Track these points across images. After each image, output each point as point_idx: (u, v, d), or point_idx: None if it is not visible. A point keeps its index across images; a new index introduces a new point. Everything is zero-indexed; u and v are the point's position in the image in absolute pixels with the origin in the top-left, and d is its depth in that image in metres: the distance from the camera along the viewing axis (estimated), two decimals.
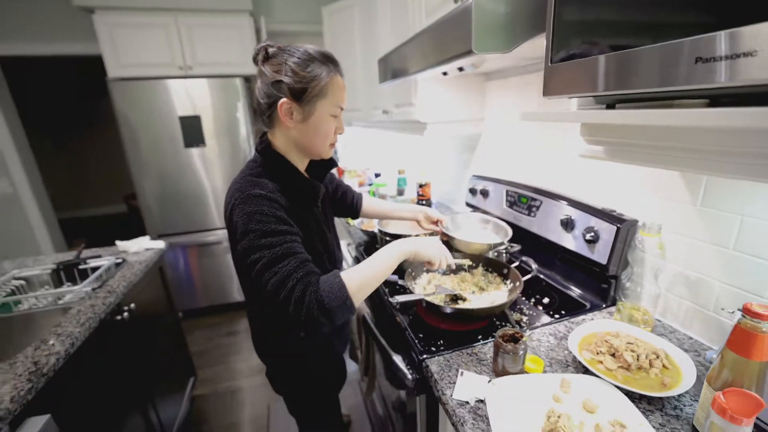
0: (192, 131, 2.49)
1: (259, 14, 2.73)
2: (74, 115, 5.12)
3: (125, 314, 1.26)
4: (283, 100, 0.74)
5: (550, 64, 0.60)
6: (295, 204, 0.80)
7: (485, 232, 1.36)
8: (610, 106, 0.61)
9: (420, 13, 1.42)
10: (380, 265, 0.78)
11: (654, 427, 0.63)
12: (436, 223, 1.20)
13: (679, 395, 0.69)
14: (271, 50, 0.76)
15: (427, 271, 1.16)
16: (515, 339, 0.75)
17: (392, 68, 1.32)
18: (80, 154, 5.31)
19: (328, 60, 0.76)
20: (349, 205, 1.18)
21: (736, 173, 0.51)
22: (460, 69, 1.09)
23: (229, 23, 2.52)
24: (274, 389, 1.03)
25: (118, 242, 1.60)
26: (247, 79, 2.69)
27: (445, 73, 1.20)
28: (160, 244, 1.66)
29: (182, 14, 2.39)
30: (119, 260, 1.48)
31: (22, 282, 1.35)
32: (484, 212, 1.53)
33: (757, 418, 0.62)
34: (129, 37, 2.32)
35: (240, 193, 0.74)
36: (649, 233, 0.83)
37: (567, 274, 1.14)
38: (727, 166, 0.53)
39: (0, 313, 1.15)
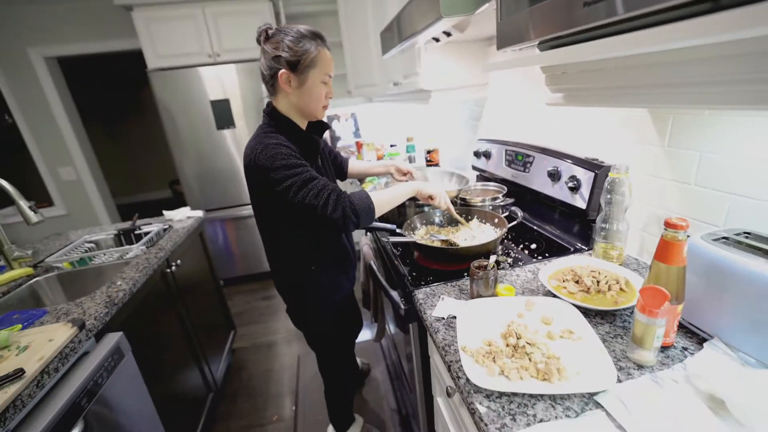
0: (222, 114, 2.71)
1: None
2: (120, 107, 5.59)
3: (173, 267, 1.50)
4: (282, 71, 0.91)
5: (500, 20, 0.69)
6: (301, 155, 0.96)
7: (450, 184, 1.63)
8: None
9: None
10: (395, 193, 1.02)
11: (600, 335, 0.74)
12: (406, 174, 1.38)
13: (630, 312, 0.78)
14: (270, 31, 0.93)
15: (426, 223, 1.28)
16: (487, 267, 0.87)
17: (388, 39, 1.41)
18: (128, 144, 5.82)
19: (316, 36, 0.93)
20: (339, 165, 1.37)
21: (673, 103, 0.59)
22: (448, 34, 1.16)
23: (251, 9, 2.67)
24: (294, 324, 1.22)
25: (165, 212, 1.86)
26: None
27: (437, 40, 1.28)
28: (198, 213, 1.90)
29: (208, 4, 2.57)
30: (166, 226, 1.73)
31: (92, 245, 1.64)
32: (487, 173, 1.61)
33: (688, 321, 0.70)
34: (163, 30, 2.55)
35: (259, 145, 0.91)
36: (618, 173, 0.89)
37: (554, 222, 1.22)
38: (664, 97, 0.60)
39: (79, 266, 1.43)
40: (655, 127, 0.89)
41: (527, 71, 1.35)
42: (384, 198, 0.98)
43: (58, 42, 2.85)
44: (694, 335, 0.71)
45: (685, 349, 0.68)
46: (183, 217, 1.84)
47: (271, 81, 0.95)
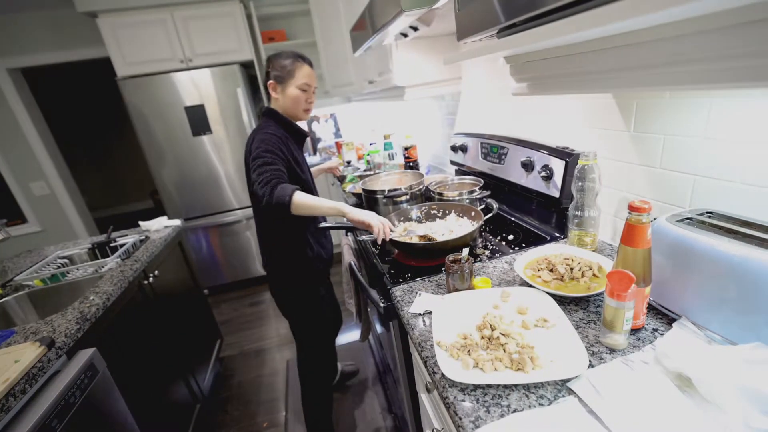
0: (198, 120, 2.65)
1: (248, 0, 2.81)
2: (94, 117, 5.44)
3: (150, 279, 1.46)
4: (270, 81, 1.24)
5: (458, 11, 0.69)
6: (292, 142, 1.26)
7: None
8: None
9: None
10: (322, 203, 1.11)
11: (574, 321, 0.74)
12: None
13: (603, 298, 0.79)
14: (271, 58, 1.24)
15: (404, 220, 1.27)
16: (461, 260, 0.87)
17: (357, 37, 1.40)
18: (106, 156, 5.67)
19: (297, 56, 1.23)
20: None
21: (635, 85, 0.59)
22: (415, 29, 1.16)
23: (221, 12, 2.62)
24: (282, 312, 1.42)
25: (141, 222, 1.81)
26: (245, 65, 2.81)
27: (405, 35, 1.27)
28: (176, 221, 1.86)
29: (177, 8, 2.52)
30: (142, 237, 1.68)
31: (66, 260, 1.59)
32: (465, 167, 1.62)
33: (657, 302, 0.72)
34: (132, 37, 2.48)
35: (257, 134, 1.19)
36: (587, 160, 0.90)
37: (530, 212, 1.23)
38: (626, 80, 0.61)
39: (51, 282, 1.38)
40: (621, 113, 0.90)
41: (497, 64, 1.35)
42: (308, 201, 1.09)
43: (22, 53, 2.75)
44: (663, 316, 0.72)
45: (656, 330, 0.69)
46: (160, 227, 1.79)
47: (266, 90, 1.28)
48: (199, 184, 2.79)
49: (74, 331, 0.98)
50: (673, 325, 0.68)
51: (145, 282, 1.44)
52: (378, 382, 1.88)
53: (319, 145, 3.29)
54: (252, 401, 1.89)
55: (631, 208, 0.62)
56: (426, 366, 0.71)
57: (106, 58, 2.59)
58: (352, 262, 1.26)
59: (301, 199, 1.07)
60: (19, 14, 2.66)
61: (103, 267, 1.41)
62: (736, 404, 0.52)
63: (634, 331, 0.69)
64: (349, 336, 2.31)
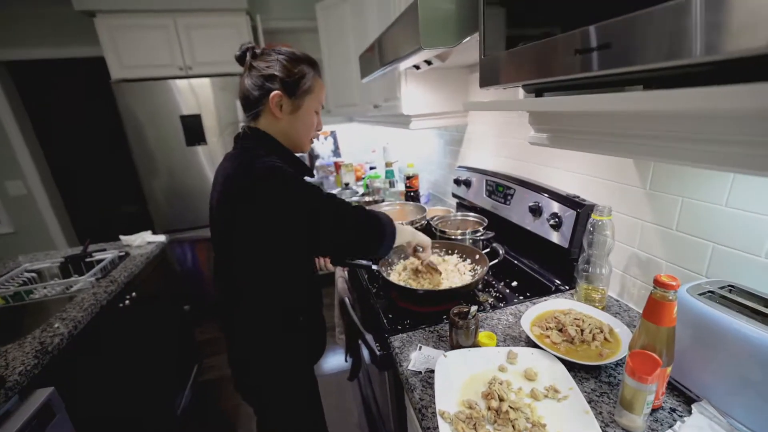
0: (194, 130, 2.58)
1: (255, 12, 2.80)
2: (84, 119, 5.29)
3: (127, 301, 1.36)
4: (276, 92, 0.80)
5: (483, 57, 0.65)
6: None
7: None
8: (539, 94, 0.66)
9: (400, 7, 1.46)
10: (402, 230, 0.94)
11: (586, 392, 0.69)
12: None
13: (615, 365, 0.75)
14: (257, 50, 0.84)
15: (404, 258, 1.22)
16: (468, 316, 0.81)
17: (368, 63, 1.37)
18: (94, 154, 5.49)
19: (311, 62, 0.87)
20: None
21: (660, 156, 0.56)
22: (429, 63, 1.13)
23: (226, 22, 2.59)
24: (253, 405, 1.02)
25: (122, 237, 1.71)
26: None
27: (417, 67, 1.25)
28: (161, 237, 1.76)
29: (180, 15, 2.47)
30: (122, 253, 1.58)
31: (34, 274, 1.47)
32: (467, 202, 1.58)
33: (675, 380, 0.67)
34: (130, 40, 2.42)
35: (265, 170, 0.75)
36: (601, 216, 0.87)
37: (535, 257, 1.19)
38: (651, 150, 0.57)
39: (14, 301, 1.27)
40: (637, 168, 0.88)
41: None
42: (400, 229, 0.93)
43: (10, 45, 2.65)
44: (681, 394, 0.67)
45: (674, 410, 0.65)
46: (143, 242, 1.70)
47: (257, 102, 0.82)
48: (190, 196, 2.69)
49: (31, 367, 0.88)
50: (693, 407, 0.63)
51: (120, 305, 1.34)
52: (365, 417, 1.78)
53: (317, 163, 3.24)
54: None
55: (657, 284, 0.58)
56: None
57: (100, 58, 2.52)
58: (347, 299, 1.19)
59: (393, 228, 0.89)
60: (11, 7, 2.58)
61: (73, 286, 1.30)
62: None
63: (652, 411, 0.64)
64: (332, 363, 2.21)
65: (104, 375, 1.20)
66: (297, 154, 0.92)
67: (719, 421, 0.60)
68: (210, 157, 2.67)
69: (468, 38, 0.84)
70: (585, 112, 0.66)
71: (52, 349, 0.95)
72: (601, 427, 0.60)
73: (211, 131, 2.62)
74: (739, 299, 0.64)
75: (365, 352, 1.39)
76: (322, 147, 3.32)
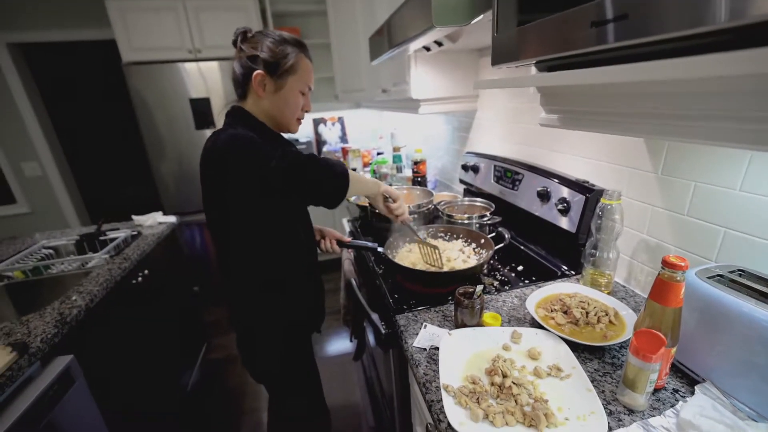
0: (202, 113, 2.60)
1: None
2: (98, 101, 5.33)
3: (140, 278, 1.40)
4: (258, 71, 0.84)
5: (496, 34, 0.64)
6: None
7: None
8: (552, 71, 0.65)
9: None
10: (362, 178, 0.93)
11: (589, 371, 0.70)
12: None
13: (620, 347, 0.75)
14: (249, 34, 0.87)
15: (409, 242, 1.23)
16: (473, 295, 0.82)
17: (377, 45, 1.35)
18: (106, 137, 5.55)
19: (298, 43, 0.88)
20: None
21: (674, 135, 0.55)
22: (439, 44, 1.12)
23: (235, 5, 2.57)
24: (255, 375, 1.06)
25: (134, 216, 1.74)
26: None
27: (428, 49, 1.23)
28: (171, 218, 1.79)
29: None
30: (135, 233, 1.62)
31: (51, 251, 1.52)
32: (474, 188, 1.58)
33: (679, 362, 0.67)
34: (140, 22, 2.42)
35: (231, 139, 0.78)
36: (610, 200, 0.86)
37: (542, 243, 1.19)
38: (665, 128, 0.56)
39: (33, 275, 1.31)
40: (649, 153, 0.87)
41: (520, 88, 1.32)
42: (359, 177, 0.90)
43: (24, 28, 2.67)
44: (685, 376, 0.68)
45: (676, 391, 0.65)
46: (154, 222, 1.73)
47: (243, 81, 0.87)
48: (198, 179, 2.71)
49: (52, 335, 0.91)
50: (696, 388, 0.63)
51: (134, 282, 1.37)
52: (368, 397, 1.82)
53: (325, 149, 3.24)
54: (235, 412, 1.82)
55: (666, 264, 0.58)
56: (431, 411, 0.66)
57: (111, 42, 2.53)
58: (353, 281, 1.20)
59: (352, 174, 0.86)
60: None
61: (89, 262, 1.34)
62: None
63: (654, 390, 0.65)
64: (337, 346, 2.25)
65: (119, 347, 1.25)
66: (286, 135, 0.96)
67: (722, 402, 0.60)
68: None
69: (481, 16, 0.82)
70: (597, 91, 0.65)
71: (70, 320, 0.98)
72: (602, 404, 0.60)
73: (219, 115, 2.62)
74: (749, 283, 0.63)
75: (370, 336, 1.41)
76: (329, 133, 3.31)
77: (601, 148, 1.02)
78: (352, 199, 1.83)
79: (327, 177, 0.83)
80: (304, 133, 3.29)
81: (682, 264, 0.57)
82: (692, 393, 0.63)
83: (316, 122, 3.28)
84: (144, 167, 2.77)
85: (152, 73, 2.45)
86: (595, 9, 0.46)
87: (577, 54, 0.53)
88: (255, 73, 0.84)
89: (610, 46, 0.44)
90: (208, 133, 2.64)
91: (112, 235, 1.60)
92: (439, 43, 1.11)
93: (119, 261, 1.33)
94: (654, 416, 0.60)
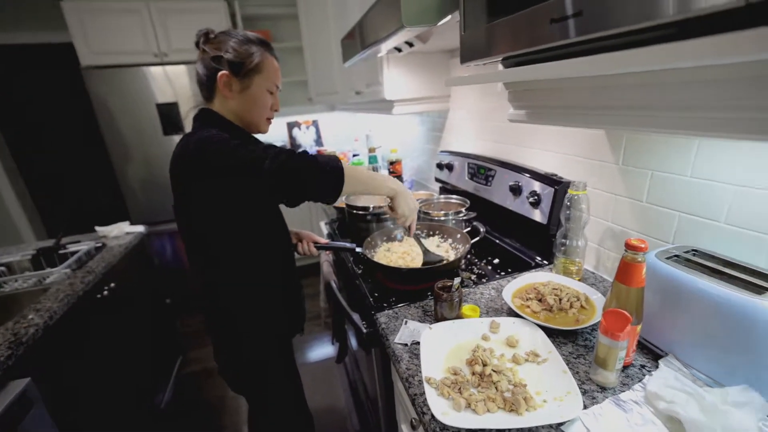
0: (170, 118, 2.51)
1: None
2: (54, 107, 5.04)
3: (105, 292, 1.33)
4: (223, 72, 0.83)
5: (463, 33, 0.67)
6: None
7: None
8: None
9: None
10: (373, 177, 0.86)
11: (564, 355, 0.73)
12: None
13: (591, 329, 0.79)
14: (211, 35, 0.86)
15: (387, 240, 1.23)
16: (451, 289, 0.84)
17: (349, 47, 1.36)
18: (64, 145, 5.25)
19: (263, 43, 0.87)
20: None
21: (620, 125, 0.59)
22: (410, 45, 1.14)
23: (203, 8, 2.51)
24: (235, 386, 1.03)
25: (97, 228, 1.66)
26: None
27: (399, 50, 1.25)
28: (139, 228, 1.72)
29: (154, 0, 2.38)
30: (99, 244, 1.54)
31: (3, 268, 1.41)
32: (450, 185, 1.61)
33: (644, 339, 0.71)
34: (100, 25, 2.32)
35: (202, 142, 0.75)
36: (576, 190, 0.91)
37: (516, 235, 1.23)
38: (618, 119, 0.60)
39: None
40: (610, 145, 0.92)
41: (489, 86, 1.36)
42: (358, 173, 0.82)
43: None
44: (650, 351, 0.72)
45: (643, 366, 0.69)
46: (120, 233, 1.65)
47: (208, 83, 0.85)
48: (168, 187, 2.60)
49: (4, 357, 0.85)
50: (660, 362, 0.67)
51: (99, 296, 1.30)
52: (352, 400, 1.80)
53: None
54: (213, 427, 1.75)
55: (628, 246, 0.61)
56: (414, 404, 0.67)
57: (69, 44, 2.40)
58: (333, 282, 1.20)
59: (349, 171, 0.80)
60: None
61: (47, 278, 1.26)
62: None
63: (624, 367, 0.68)
64: (319, 352, 2.23)
65: (84, 366, 1.18)
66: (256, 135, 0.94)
67: (684, 373, 0.64)
68: None
69: (449, 17, 0.85)
70: (561, 86, 0.69)
71: (26, 340, 0.92)
72: (577, 384, 0.63)
73: (189, 120, 2.55)
74: (702, 261, 0.68)
75: (352, 337, 1.40)
76: (304, 136, 3.28)
77: (567, 142, 1.07)
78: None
79: (322, 175, 0.77)
80: (278, 137, 3.25)
81: (642, 246, 0.60)
82: (657, 367, 0.67)
83: (291, 126, 3.25)
84: (108, 176, 2.64)
85: (115, 78, 2.35)
86: (553, 6, 0.48)
87: (540, 50, 0.56)
88: (220, 74, 0.82)
89: (569, 41, 0.46)
90: (177, 138, 2.56)
91: (73, 248, 1.51)
92: (410, 44, 1.13)
93: (82, 275, 1.26)
94: (624, 391, 0.64)
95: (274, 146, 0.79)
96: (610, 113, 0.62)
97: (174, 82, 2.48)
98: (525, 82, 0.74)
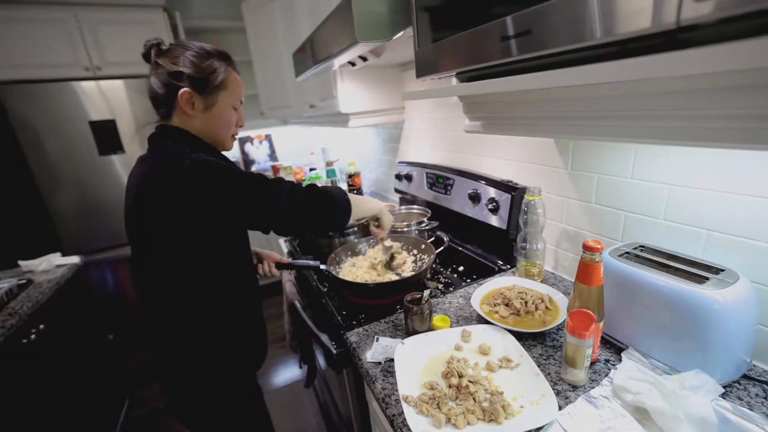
0: (107, 137, 2.30)
1: (173, 9, 2.59)
2: None
3: (33, 336, 1.16)
4: (184, 89, 0.76)
5: (417, 48, 0.67)
6: None
7: None
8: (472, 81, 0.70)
9: (330, 4, 1.45)
10: (363, 201, 0.93)
11: (535, 357, 0.74)
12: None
13: (557, 329, 0.81)
14: (164, 47, 0.78)
15: (351, 255, 1.21)
16: (421, 301, 0.83)
17: (302, 61, 1.34)
18: None
19: (223, 56, 0.82)
20: None
21: (566, 133, 0.62)
22: (364, 59, 1.14)
23: (140, 19, 2.36)
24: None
25: (21, 262, 1.46)
26: None
27: (353, 64, 1.25)
28: (73, 259, 1.54)
29: (83, 9, 2.19)
30: (23, 281, 1.35)
31: None
32: (409, 195, 1.62)
33: (606, 334, 0.75)
34: (19, 35, 2.08)
35: (206, 168, 0.70)
36: (532, 196, 0.95)
37: (477, 242, 1.26)
38: (565, 128, 0.63)
39: None
40: (559, 152, 0.97)
41: (443, 98, 1.40)
42: (357, 202, 0.88)
43: None
44: (612, 346, 0.75)
45: (608, 360, 0.72)
46: (50, 266, 1.46)
47: (166, 101, 0.78)
48: (107, 212, 2.39)
49: None
50: (622, 355, 0.71)
51: (25, 341, 1.13)
52: (323, 424, 1.72)
53: (254, 168, 3.08)
54: None
55: (586, 248, 0.64)
56: (393, 425, 0.64)
57: None
58: (297, 303, 1.14)
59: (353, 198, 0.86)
60: None
61: None
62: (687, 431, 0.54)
63: (591, 364, 0.71)
64: (285, 376, 2.12)
65: (13, 422, 1.01)
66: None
67: (644, 363, 0.68)
68: (128, 167, 2.38)
69: (401, 32, 0.86)
70: (512, 98, 0.71)
71: None
72: (550, 385, 0.64)
73: (129, 138, 2.36)
74: (649, 256, 0.74)
75: (321, 358, 1.35)
76: (257, 151, 3.17)
77: (520, 149, 1.12)
78: None
79: (334, 211, 0.82)
80: (229, 153, 3.10)
81: (599, 246, 0.64)
82: (620, 360, 0.70)
83: (242, 141, 3.12)
84: (33, 202, 2.36)
85: (38, 93, 2.12)
86: (504, 25, 0.50)
87: (492, 65, 0.58)
88: (181, 91, 0.76)
89: (519, 58, 0.48)
90: (116, 159, 2.35)
91: None
92: (363, 58, 1.13)
93: (2, 319, 1.09)
94: (594, 387, 0.66)
95: (283, 179, 0.78)
96: (557, 123, 0.65)
97: (110, 98, 2.28)
98: (478, 95, 0.76)
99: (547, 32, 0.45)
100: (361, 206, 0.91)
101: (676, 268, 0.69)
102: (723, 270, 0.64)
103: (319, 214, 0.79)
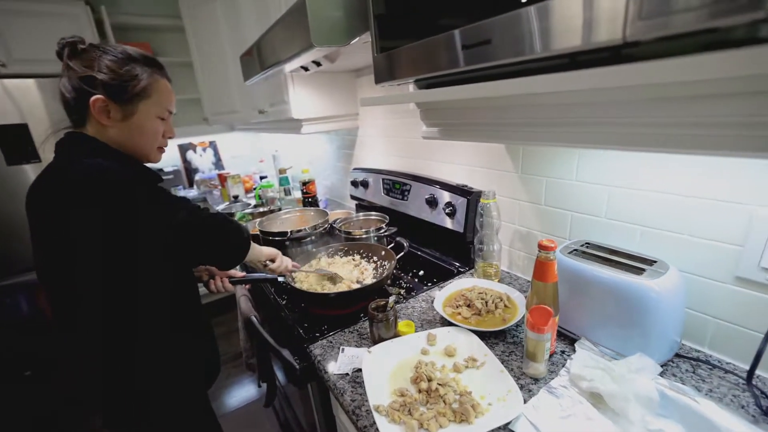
0: (15, 144, 2.01)
1: (98, 3, 2.35)
2: None
3: None
4: (97, 96, 0.69)
5: (376, 54, 0.67)
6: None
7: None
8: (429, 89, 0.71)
9: (280, 6, 1.41)
10: (259, 247, 0.95)
11: (498, 354, 0.76)
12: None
13: (516, 326, 0.85)
14: (80, 47, 0.70)
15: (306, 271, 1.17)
16: (386, 308, 0.82)
17: (250, 64, 1.29)
18: None
19: (150, 62, 0.75)
20: None
21: (517, 139, 0.65)
22: (318, 64, 1.12)
23: (57, 12, 2.11)
24: None
25: None
26: None
27: (306, 69, 1.22)
28: None
29: None
30: None
31: None
32: (366, 202, 1.62)
33: (561, 327, 0.80)
34: None
35: (85, 173, 0.63)
36: (487, 199, 0.99)
37: (436, 246, 1.28)
38: (517, 134, 0.66)
39: None
40: (510, 157, 1.03)
41: (398, 105, 1.42)
42: (254, 246, 0.91)
43: None
44: (566, 337, 0.80)
45: (563, 352, 0.77)
46: None
47: (77, 106, 0.71)
48: (17, 231, 2.07)
49: None
50: (576, 345, 0.76)
51: None
52: None
53: (197, 177, 2.88)
54: None
55: (541, 247, 0.68)
56: None
57: None
58: (254, 318, 1.07)
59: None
60: None
61: None
62: (636, 411, 0.59)
63: (549, 356, 0.75)
64: (241, 396, 1.98)
65: None
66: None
67: (595, 351, 0.73)
68: None
69: (358, 38, 0.85)
70: (468, 105, 0.74)
71: None
72: (514, 380, 0.67)
73: (45, 143, 2.07)
74: (594, 252, 0.80)
75: (281, 375, 1.28)
76: (201, 160, 2.97)
77: (474, 154, 1.16)
78: None
79: (231, 242, 0.81)
80: (170, 161, 2.87)
81: (552, 245, 0.68)
82: (574, 350, 0.75)
83: (184, 148, 2.91)
84: None
85: None
86: (461, 35, 0.52)
87: (450, 73, 0.59)
88: (93, 98, 0.68)
89: (474, 67, 0.50)
90: (28, 168, 2.06)
91: None
92: (317, 63, 1.11)
93: None
94: (553, 378, 0.69)
95: (191, 202, 0.75)
96: (508, 129, 0.69)
97: (19, 99, 2.00)
98: (436, 102, 0.78)
99: (500, 44, 0.48)
100: (258, 248, 0.95)
101: (617, 262, 0.75)
102: (655, 261, 0.72)
103: (217, 237, 0.77)
